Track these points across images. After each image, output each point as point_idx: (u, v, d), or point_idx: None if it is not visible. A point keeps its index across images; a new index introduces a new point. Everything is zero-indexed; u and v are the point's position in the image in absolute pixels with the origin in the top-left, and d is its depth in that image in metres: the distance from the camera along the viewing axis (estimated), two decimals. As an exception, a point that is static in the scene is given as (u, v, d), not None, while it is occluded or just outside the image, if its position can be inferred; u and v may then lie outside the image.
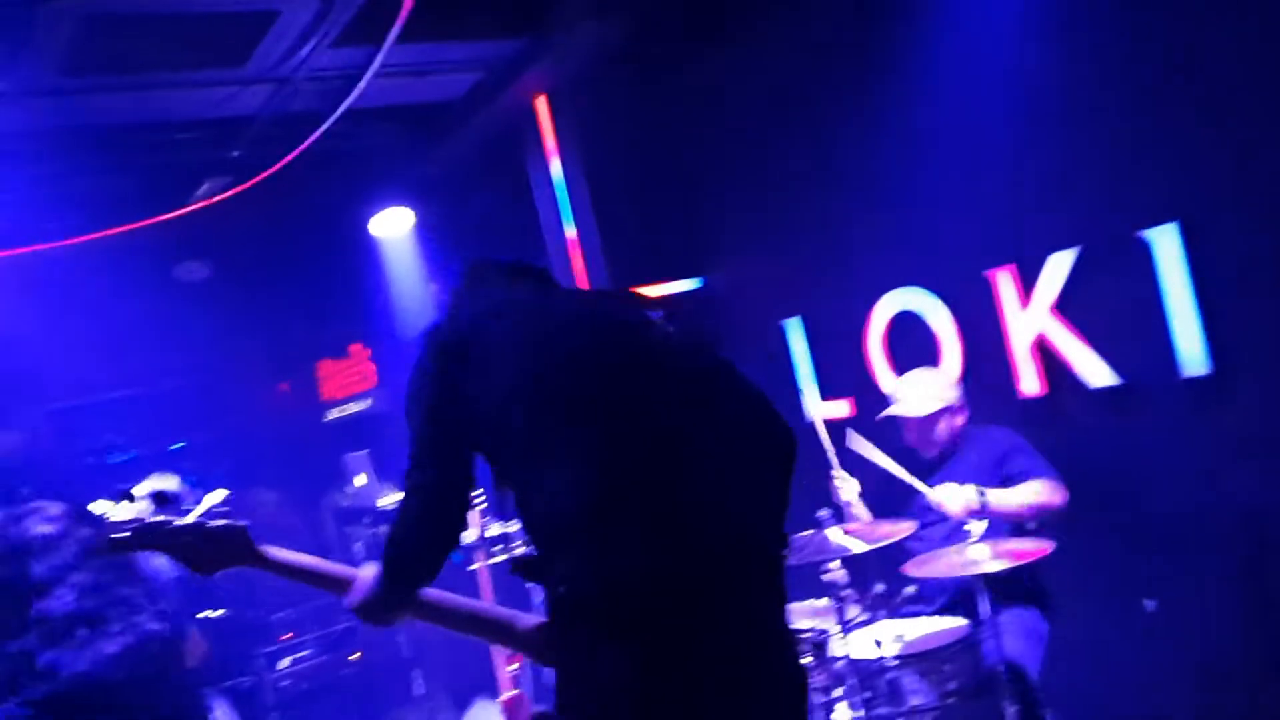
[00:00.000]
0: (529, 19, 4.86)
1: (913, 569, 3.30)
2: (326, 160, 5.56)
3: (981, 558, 3.16)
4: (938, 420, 3.78)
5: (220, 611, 4.77)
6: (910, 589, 3.69)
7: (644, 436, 2.08)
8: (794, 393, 5.04)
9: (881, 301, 4.58)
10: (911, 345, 4.41)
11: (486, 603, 2.57)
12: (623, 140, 5.48)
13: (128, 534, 2.31)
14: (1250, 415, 3.42)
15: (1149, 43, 3.51)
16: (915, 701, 3.31)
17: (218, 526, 2.36)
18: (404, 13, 4.12)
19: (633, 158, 5.52)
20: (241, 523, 2.38)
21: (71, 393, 7.80)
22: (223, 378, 8.00)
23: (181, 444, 9.00)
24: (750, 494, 2.14)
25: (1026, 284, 3.98)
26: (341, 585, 2.34)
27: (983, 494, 3.45)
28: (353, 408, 7.91)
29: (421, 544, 2.21)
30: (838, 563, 3.25)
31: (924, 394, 3.82)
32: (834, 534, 3.26)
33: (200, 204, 5.89)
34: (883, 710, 3.30)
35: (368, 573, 2.31)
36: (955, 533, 3.49)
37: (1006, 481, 3.60)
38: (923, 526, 3.58)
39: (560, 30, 4.86)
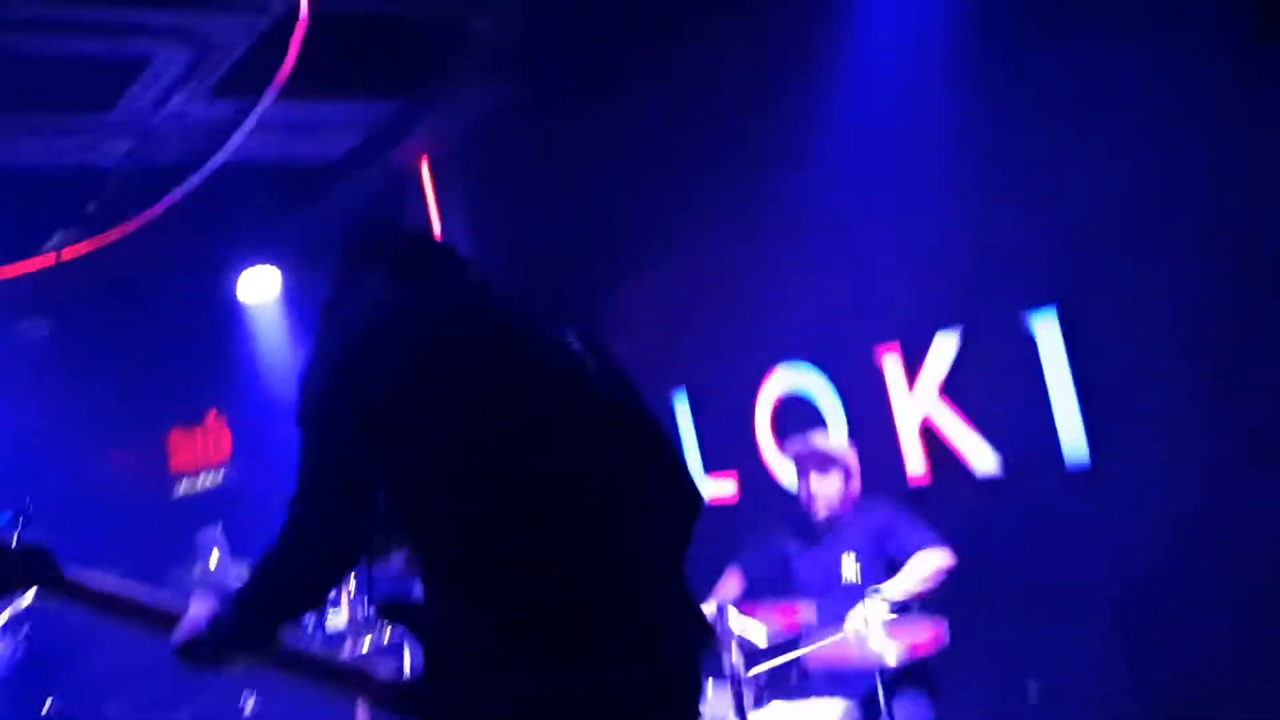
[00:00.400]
0: (413, 81, 4.76)
1: (813, 662, 3.22)
2: (191, 218, 5.27)
3: (879, 648, 3.10)
4: (837, 474, 3.73)
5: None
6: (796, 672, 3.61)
7: (567, 481, 1.86)
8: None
9: (770, 377, 4.57)
10: (800, 423, 4.38)
11: (331, 652, 2.18)
12: (508, 203, 5.38)
13: None
14: (1128, 499, 3.49)
15: (1035, 125, 3.63)
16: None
17: (11, 545, 1.95)
18: (286, 68, 3.96)
19: (519, 220, 5.40)
20: (42, 543, 1.98)
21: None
22: (60, 444, 7.46)
23: (7, 513, 8.35)
24: (663, 553, 1.93)
25: (912, 364, 4.01)
26: (166, 621, 1.96)
27: (884, 597, 3.34)
28: (206, 481, 7.47)
29: (295, 584, 1.90)
30: (735, 648, 3.14)
31: (837, 443, 3.80)
32: (734, 619, 3.15)
33: (49, 258, 5.50)
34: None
35: (199, 608, 1.95)
36: (851, 599, 3.41)
37: (892, 560, 3.57)
38: (820, 598, 3.52)
39: (444, 92, 4.77)
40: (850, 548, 3.63)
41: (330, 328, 1.97)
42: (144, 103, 4.13)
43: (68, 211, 5.16)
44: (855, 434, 4.23)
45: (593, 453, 1.88)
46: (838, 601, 3.48)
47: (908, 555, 3.53)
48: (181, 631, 1.93)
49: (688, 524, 1.96)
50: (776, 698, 3.51)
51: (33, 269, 5.49)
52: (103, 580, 1.98)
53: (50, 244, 5.49)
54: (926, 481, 4.01)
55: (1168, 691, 3.46)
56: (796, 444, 3.88)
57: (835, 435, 4.25)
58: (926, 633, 3.22)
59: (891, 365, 4.06)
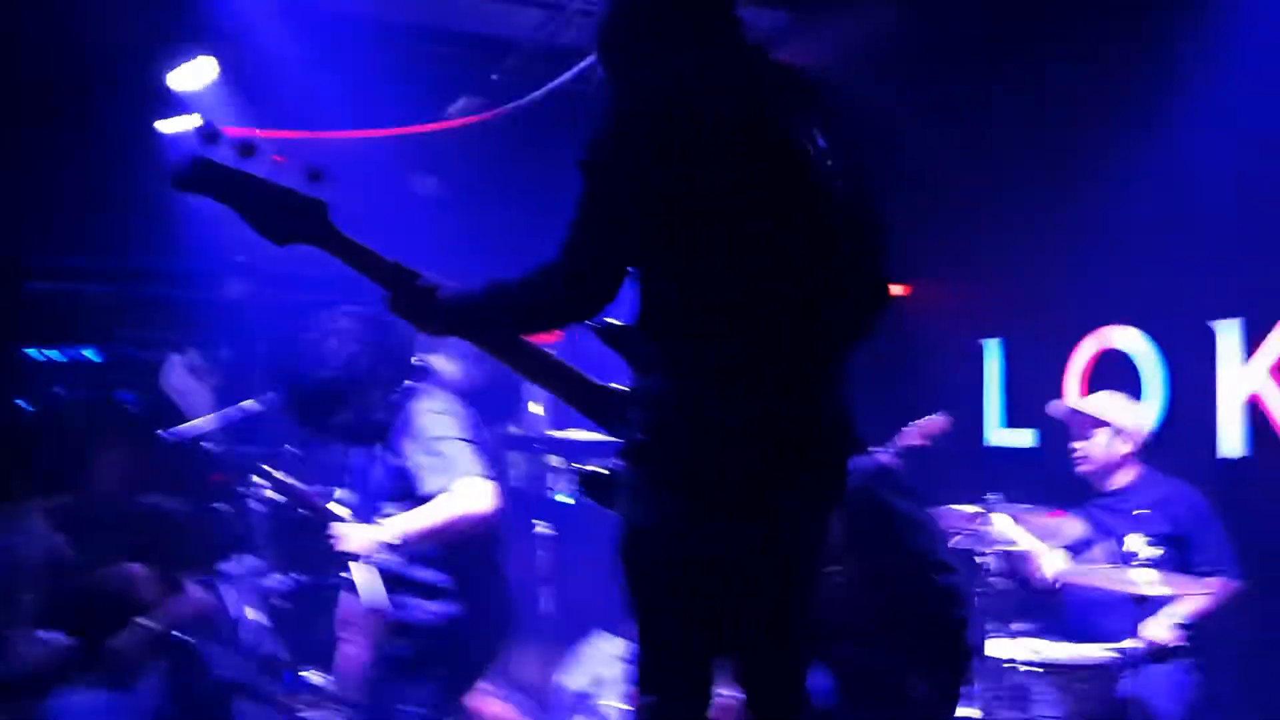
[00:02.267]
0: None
1: (1077, 578, 3.24)
2: (579, 102, 5.78)
3: (1151, 582, 3.07)
4: (1104, 435, 3.65)
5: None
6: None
7: (791, 302, 1.97)
8: (978, 413, 4.97)
9: (1089, 337, 4.49)
10: (1114, 382, 4.29)
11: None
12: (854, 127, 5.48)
13: (189, 169, 2.15)
14: None
15: None
16: (1040, 711, 3.25)
17: (298, 195, 2.18)
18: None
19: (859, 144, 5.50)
20: (321, 197, 2.22)
21: (293, 286, 8.33)
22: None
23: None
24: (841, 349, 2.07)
25: (1251, 340, 3.84)
26: (401, 284, 2.17)
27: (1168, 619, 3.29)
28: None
29: (517, 315, 2.07)
30: (997, 552, 3.22)
31: (1099, 403, 3.72)
32: (1001, 521, 3.23)
33: (450, 121, 6.24)
34: (1005, 713, 3.24)
35: (429, 288, 2.15)
36: (1122, 553, 3.38)
37: (1184, 555, 3.45)
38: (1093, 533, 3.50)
39: (819, 14, 4.97)
40: (1135, 519, 3.51)
41: (625, 73, 2.07)
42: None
43: (474, 79, 5.83)
44: (1174, 404, 4.11)
45: (812, 244, 1.98)
46: (1118, 549, 3.45)
47: (1201, 565, 3.40)
48: (404, 295, 2.17)
49: (870, 319, 2.08)
50: (1024, 629, 3.52)
51: (432, 129, 6.27)
52: (360, 244, 2.22)
53: (453, 108, 6.23)
54: (1243, 456, 3.83)
55: None
56: (1058, 406, 3.84)
57: (1144, 402, 4.15)
58: (1209, 598, 3.14)
59: (1228, 337, 3.90)
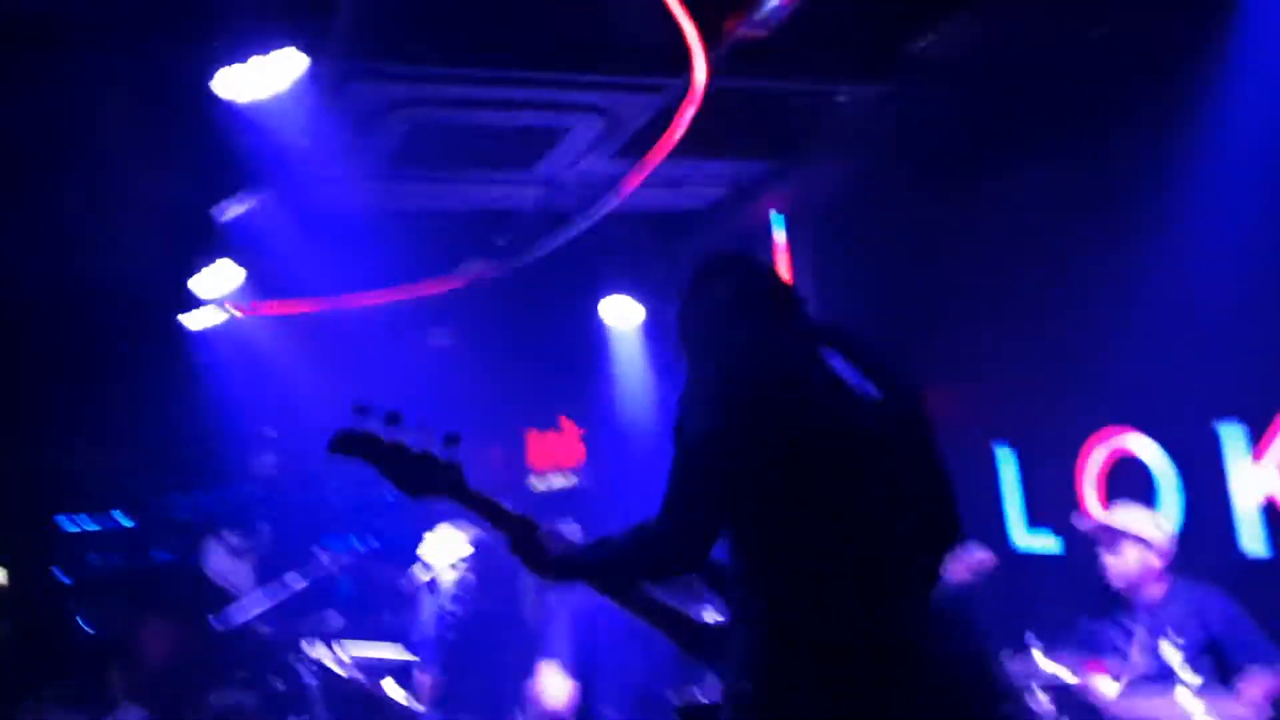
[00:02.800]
0: (777, 147, 5.28)
1: (1122, 709, 3.34)
2: (576, 254, 6.09)
3: (1194, 708, 3.19)
4: (1133, 550, 3.77)
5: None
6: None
7: (873, 523, 2.22)
8: (999, 518, 5.11)
9: (1099, 440, 4.64)
10: (1128, 488, 4.44)
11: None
12: (849, 260, 5.75)
13: (344, 437, 2.48)
14: None
15: None
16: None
17: (436, 459, 2.49)
18: (676, 134, 4.60)
19: (858, 277, 5.75)
20: (458, 460, 2.52)
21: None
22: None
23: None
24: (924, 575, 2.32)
25: (1257, 439, 3.99)
26: (528, 540, 2.44)
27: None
28: (557, 481, 8.34)
29: (621, 573, 2.37)
30: (1045, 691, 3.35)
31: (1126, 517, 3.85)
32: (1041, 659, 3.36)
33: (459, 280, 6.53)
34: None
35: (547, 543, 2.43)
36: (1166, 680, 3.50)
37: (1222, 660, 3.54)
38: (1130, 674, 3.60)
39: (802, 160, 5.25)
40: (1170, 631, 3.59)
41: (705, 354, 2.38)
42: (559, 163, 4.95)
43: (481, 244, 6.13)
44: (1188, 506, 4.25)
45: (890, 497, 2.24)
46: (1153, 682, 3.55)
47: (1242, 663, 3.48)
48: (527, 550, 2.43)
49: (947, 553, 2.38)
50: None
51: (445, 289, 6.56)
52: (490, 499, 2.51)
53: (462, 269, 6.52)
54: (1265, 558, 3.96)
55: None
56: (1087, 522, 3.97)
57: (1153, 508, 4.26)
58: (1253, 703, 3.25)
59: (1234, 437, 4.06)
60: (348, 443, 2.51)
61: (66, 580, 9.16)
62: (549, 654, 3.83)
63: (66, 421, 7.45)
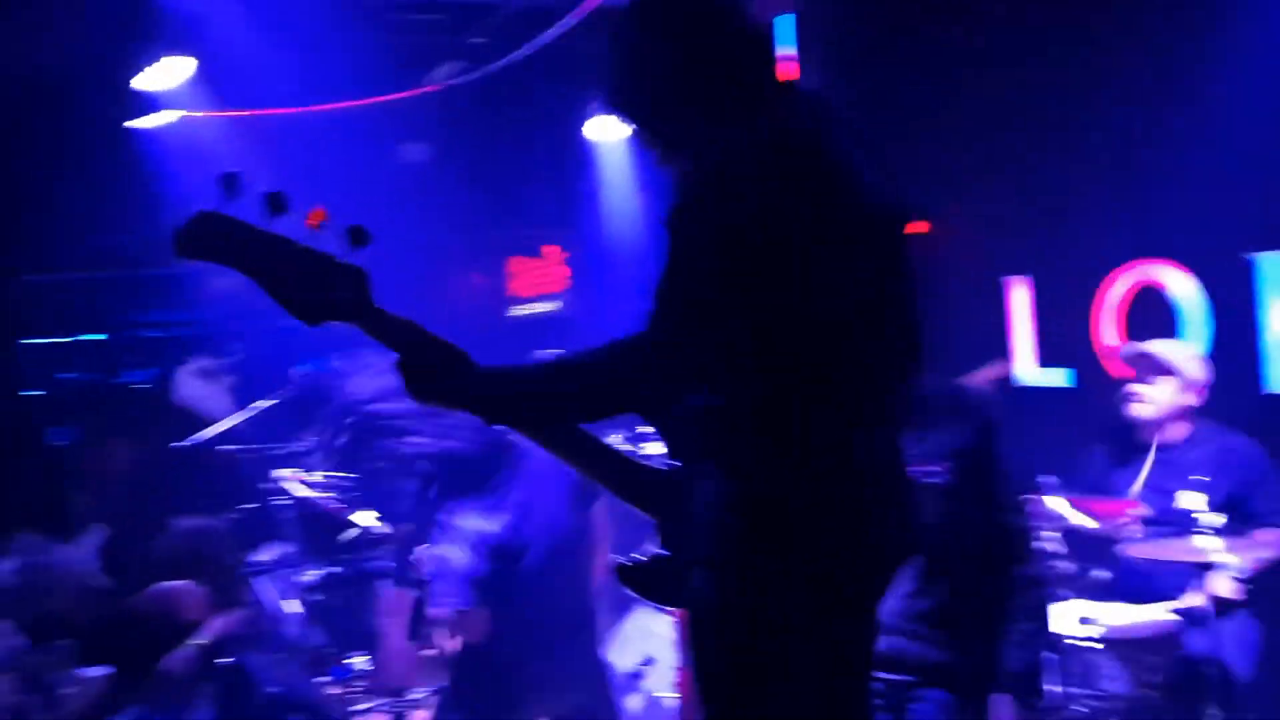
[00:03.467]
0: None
1: (1138, 551, 3.17)
2: (558, 59, 5.59)
3: (1214, 549, 3.00)
4: (1170, 384, 3.53)
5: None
6: (1101, 573, 3.53)
7: (877, 362, 1.85)
8: (1005, 353, 4.86)
9: (1121, 273, 4.36)
10: (1149, 323, 4.18)
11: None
12: (864, 62, 5.29)
13: (201, 226, 1.81)
14: None
15: None
16: (1110, 687, 3.21)
17: (335, 262, 1.84)
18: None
19: (874, 81, 5.30)
20: (357, 265, 1.88)
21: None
22: (419, 259, 8.24)
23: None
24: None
25: (1294, 274, 3.71)
26: (452, 360, 1.86)
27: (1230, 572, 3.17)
28: (540, 307, 8.06)
29: (592, 393, 1.81)
30: (1056, 532, 3.15)
31: (1170, 350, 3.59)
32: (1055, 502, 3.15)
33: (432, 87, 6.03)
34: (1073, 689, 3.21)
35: (471, 366, 1.86)
36: (1184, 522, 3.30)
37: (1238, 509, 3.34)
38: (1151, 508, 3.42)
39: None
40: (1192, 473, 3.39)
41: (704, 154, 1.82)
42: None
43: (457, 44, 5.61)
44: (1214, 342, 4.00)
45: (886, 301, 1.85)
46: (1167, 526, 3.36)
47: (1263, 517, 3.31)
48: (440, 369, 1.86)
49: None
50: (1071, 594, 3.46)
51: (418, 95, 6.07)
52: (394, 319, 1.89)
53: (436, 73, 6.01)
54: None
55: None
56: (1129, 348, 3.73)
57: (1187, 341, 4.03)
58: (1271, 549, 3.08)
59: (1272, 269, 3.76)
60: (209, 238, 1.84)
61: (35, 393, 8.96)
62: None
63: (25, 238, 7.04)
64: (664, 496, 1.98)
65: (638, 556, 1.97)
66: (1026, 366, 4.76)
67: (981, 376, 4.17)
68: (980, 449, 2.60)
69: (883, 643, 2.36)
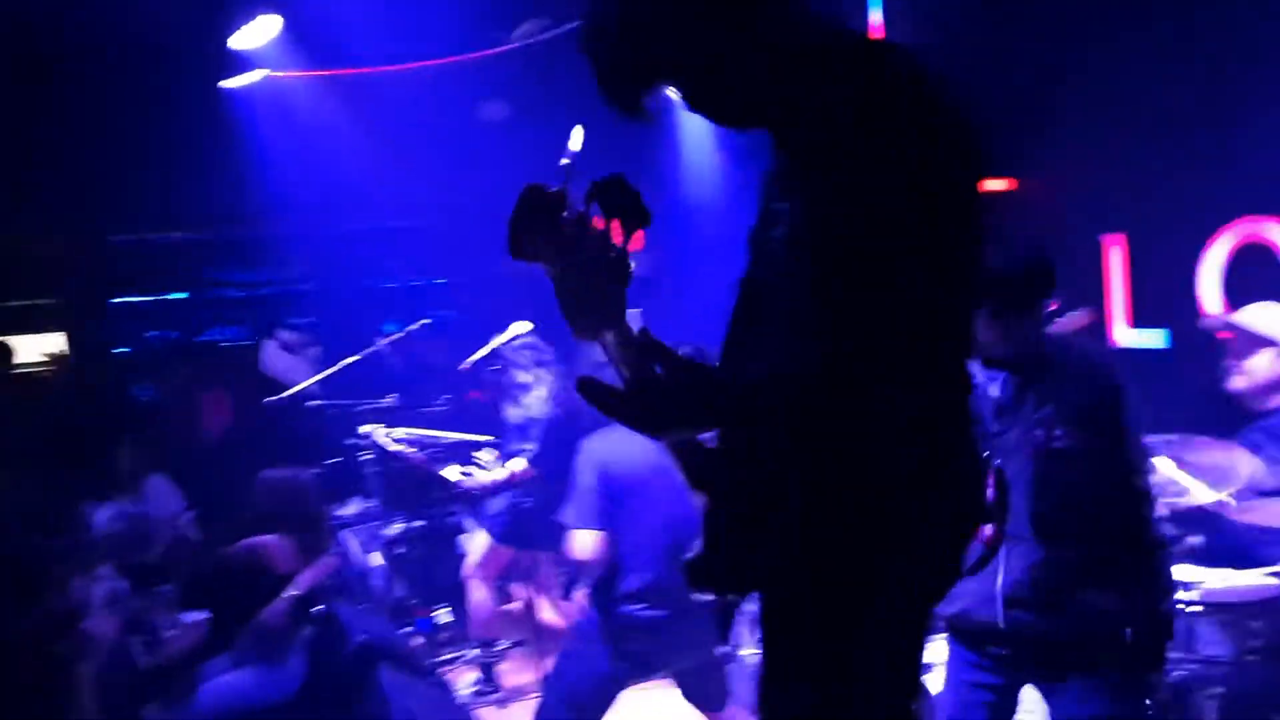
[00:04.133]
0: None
1: (1241, 516, 3.08)
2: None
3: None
4: (1269, 356, 3.41)
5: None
6: (1196, 538, 3.44)
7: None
8: (1102, 313, 4.75)
9: (1224, 232, 4.21)
10: (1252, 284, 4.04)
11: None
12: (957, 20, 5.15)
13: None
14: None
15: None
16: (1210, 651, 3.14)
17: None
18: None
19: (962, 31, 5.17)
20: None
21: (359, 216, 8.29)
22: (499, 219, 8.25)
23: (443, 280, 9.50)
24: None
25: None
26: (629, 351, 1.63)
27: None
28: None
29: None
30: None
31: (1265, 317, 3.47)
32: (1163, 465, 3.07)
33: (514, 45, 6.02)
34: (1174, 654, 3.13)
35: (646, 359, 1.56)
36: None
37: None
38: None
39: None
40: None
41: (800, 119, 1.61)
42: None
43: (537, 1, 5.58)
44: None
45: None
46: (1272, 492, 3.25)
47: None
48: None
49: None
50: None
51: (501, 53, 6.07)
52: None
53: (519, 31, 6.00)
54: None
55: None
56: (1215, 319, 3.61)
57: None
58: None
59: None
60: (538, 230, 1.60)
61: (124, 351, 9.23)
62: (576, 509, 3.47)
63: (115, 199, 7.20)
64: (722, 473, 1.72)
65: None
66: (1121, 327, 4.64)
67: (1065, 326, 4.06)
68: (1107, 410, 2.53)
69: (1003, 617, 2.35)
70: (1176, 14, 4.34)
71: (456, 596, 5.63)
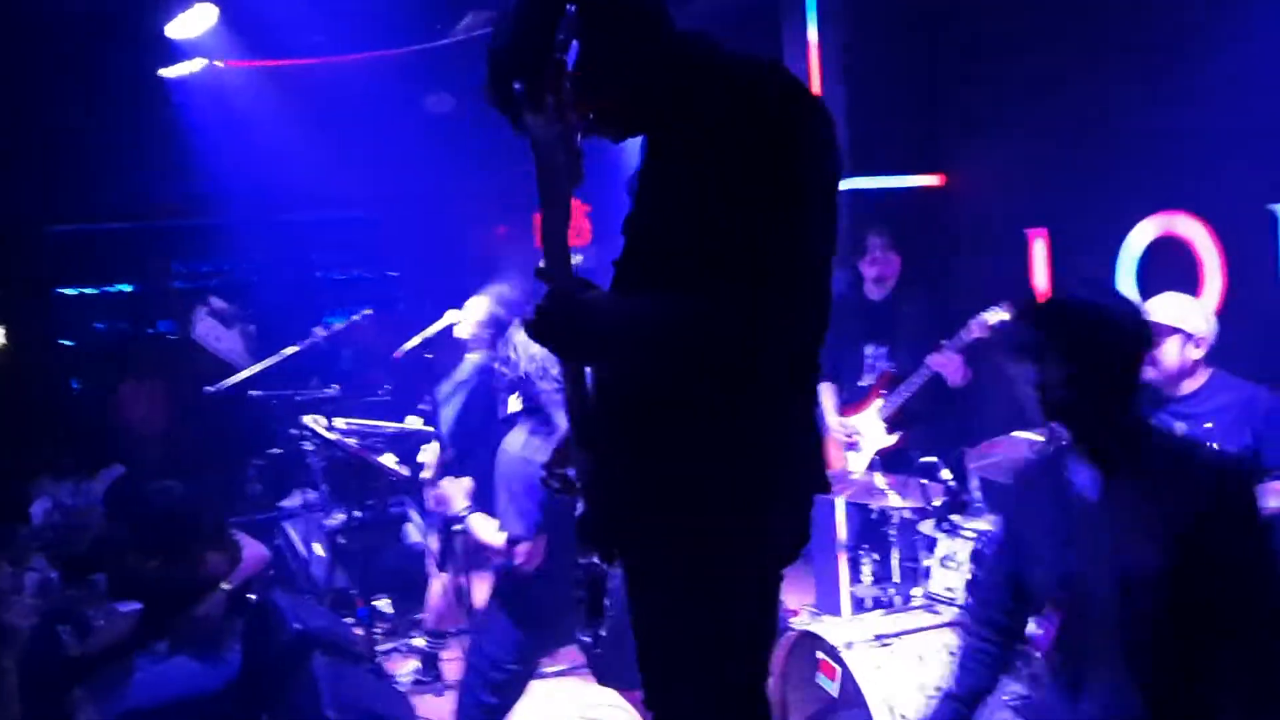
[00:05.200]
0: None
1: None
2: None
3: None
4: (1174, 343, 3.52)
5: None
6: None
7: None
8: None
9: (1141, 224, 4.34)
10: (1168, 276, 4.17)
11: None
12: (886, 19, 5.27)
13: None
14: None
15: None
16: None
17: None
18: None
19: (893, 31, 5.29)
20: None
21: (306, 205, 8.26)
22: (443, 211, 8.27)
23: (396, 274, 9.50)
24: None
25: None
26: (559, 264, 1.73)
27: None
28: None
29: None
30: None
31: (1168, 307, 3.56)
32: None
33: (460, 37, 6.04)
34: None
35: (579, 290, 1.75)
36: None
37: (1259, 457, 3.30)
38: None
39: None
40: (1206, 423, 3.36)
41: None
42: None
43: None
44: (1233, 294, 3.99)
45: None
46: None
47: (1275, 473, 3.24)
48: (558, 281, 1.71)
49: None
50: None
51: (443, 45, 6.07)
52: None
53: (462, 24, 6.02)
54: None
55: None
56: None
57: (1202, 296, 4.03)
58: None
59: (1290, 223, 3.75)
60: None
61: (68, 344, 9.13)
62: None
63: (57, 188, 7.13)
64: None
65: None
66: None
67: (983, 324, 4.19)
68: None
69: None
70: (1097, 14, 4.47)
71: (398, 586, 5.66)
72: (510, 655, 3.36)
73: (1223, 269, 4.04)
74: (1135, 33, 4.32)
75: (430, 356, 4.33)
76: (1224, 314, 3.95)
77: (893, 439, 4.68)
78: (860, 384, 4.87)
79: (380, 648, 5.39)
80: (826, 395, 4.93)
